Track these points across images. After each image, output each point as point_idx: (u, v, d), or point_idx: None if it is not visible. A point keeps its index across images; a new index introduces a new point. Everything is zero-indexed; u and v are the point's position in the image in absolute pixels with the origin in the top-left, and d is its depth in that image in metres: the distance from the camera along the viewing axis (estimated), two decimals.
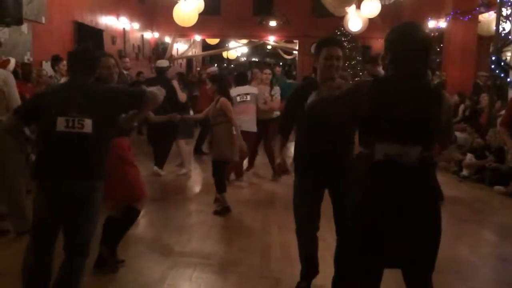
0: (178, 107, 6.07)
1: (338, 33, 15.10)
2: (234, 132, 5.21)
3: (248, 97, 6.46)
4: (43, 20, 8.10)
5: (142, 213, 4.84)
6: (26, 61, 7.38)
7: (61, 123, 2.57)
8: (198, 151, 8.61)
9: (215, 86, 5.30)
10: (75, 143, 2.59)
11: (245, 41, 19.02)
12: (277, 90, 6.91)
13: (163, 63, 7.57)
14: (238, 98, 6.34)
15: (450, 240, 4.57)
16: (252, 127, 6.44)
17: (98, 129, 2.62)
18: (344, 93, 2.15)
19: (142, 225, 4.61)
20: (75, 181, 2.62)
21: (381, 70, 4.81)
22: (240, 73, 7.70)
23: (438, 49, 12.58)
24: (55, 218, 2.66)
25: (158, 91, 2.89)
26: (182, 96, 6.81)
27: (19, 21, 6.13)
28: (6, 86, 3.95)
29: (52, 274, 2.71)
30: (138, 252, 3.91)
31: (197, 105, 9.33)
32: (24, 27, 7.23)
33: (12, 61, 5.09)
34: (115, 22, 12.27)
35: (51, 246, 2.70)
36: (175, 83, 6.86)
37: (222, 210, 5.08)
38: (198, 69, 18.90)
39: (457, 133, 8.31)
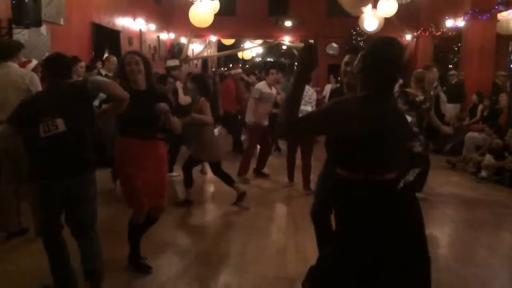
0: (174, 108, 6.03)
1: (354, 33, 15.04)
2: (216, 133, 5.39)
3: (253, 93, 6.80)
4: (62, 22, 8.21)
5: None
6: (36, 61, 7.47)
7: (42, 130, 2.80)
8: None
9: (195, 86, 5.42)
10: (59, 143, 2.80)
11: (260, 41, 19.03)
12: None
13: (171, 62, 7.63)
14: None
15: (468, 242, 4.52)
16: (248, 120, 6.73)
17: (72, 125, 2.83)
18: (324, 112, 2.02)
19: (158, 224, 4.61)
20: (69, 179, 2.85)
21: None
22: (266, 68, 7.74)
23: (456, 49, 12.43)
24: (56, 211, 2.96)
25: (108, 80, 3.08)
26: (183, 98, 6.62)
27: (38, 23, 6.22)
28: (32, 86, 4.05)
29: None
30: (155, 251, 3.94)
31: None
32: (43, 29, 7.33)
33: (33, 62, 5.18)
34: (132, 23, 12.39)
35: (59, 224, 3.02)
36: (178, 84, 6.81)
37: (184, 202, 5.34)
38: (214, 69, 18.97)
39: (476, 134, 8.20)
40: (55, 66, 3.01)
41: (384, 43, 2.05)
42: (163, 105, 3.25)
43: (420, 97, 4.91)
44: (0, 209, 4.28)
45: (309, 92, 6.09)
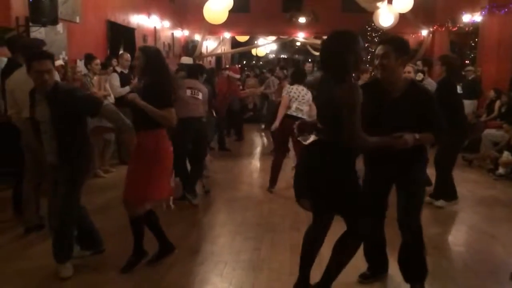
0: None
1: (369, 28, 14.91)
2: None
3: None
4: (78, 20, 8.29)
5: (171, 209, 4.96)
6: (61, 60, 7.56)
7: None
8: (222, 148, 8.81)
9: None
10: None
11: (274, 37, 18.98)
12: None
13: (186, 60, 7.62)
14: None
15: (486, 240, 4.45)
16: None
17: None
18: None
19: (171, 222, 4.66)
20: None
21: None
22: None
23: (473, 44, 12.24)
24: None
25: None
26: None
27: (54, 21, 6.30)
28: None
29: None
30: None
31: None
32: (60, 27, 7.41)
33: (57, 62, 5.22)
34: (146, 21, 12.46)
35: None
36: None
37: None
38: (227, 66, 18.99)
39: (493, 130, 8.07)
40: None
41: (335, 32, 2.66)
42: (131, 96, 3.45)
43: None
44: (21, 205, 4.36)
45: (302, 92, 5.96)
